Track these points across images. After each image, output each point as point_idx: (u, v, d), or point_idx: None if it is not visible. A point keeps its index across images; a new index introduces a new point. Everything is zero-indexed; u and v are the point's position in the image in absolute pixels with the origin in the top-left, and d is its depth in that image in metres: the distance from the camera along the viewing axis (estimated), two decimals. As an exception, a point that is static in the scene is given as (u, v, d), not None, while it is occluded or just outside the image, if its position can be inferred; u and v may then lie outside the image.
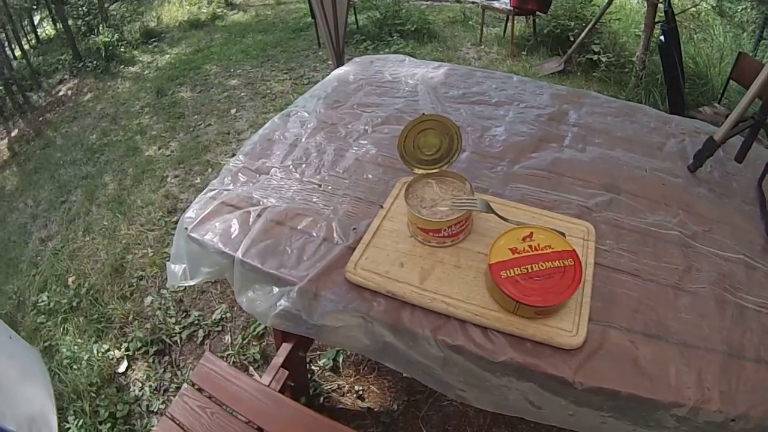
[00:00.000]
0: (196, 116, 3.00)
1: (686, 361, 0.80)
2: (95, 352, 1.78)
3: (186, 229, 1.10)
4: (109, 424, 1.59)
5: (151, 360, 1.78)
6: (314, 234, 1.02)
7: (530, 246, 0.84)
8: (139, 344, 1.80)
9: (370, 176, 1.14)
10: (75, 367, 1.74)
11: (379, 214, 1.00)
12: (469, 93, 1.46)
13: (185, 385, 1.33)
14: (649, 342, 0.82)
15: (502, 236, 0.85)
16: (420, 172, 0.95)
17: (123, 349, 1.80)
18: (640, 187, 1.10)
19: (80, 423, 1.58)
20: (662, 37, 2.55)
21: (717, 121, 2.20)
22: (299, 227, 1.05)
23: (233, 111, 2.99)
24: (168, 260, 1.18)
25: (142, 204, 2.35)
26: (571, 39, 3.64)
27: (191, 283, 1.14)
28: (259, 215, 1.09)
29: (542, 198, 1.05)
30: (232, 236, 1.05)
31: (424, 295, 0.85)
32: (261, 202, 1.12)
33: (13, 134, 3.20)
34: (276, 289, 0.98)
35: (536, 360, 0.79)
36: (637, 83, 3.09)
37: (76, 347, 1.80)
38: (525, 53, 3.78)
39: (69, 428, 1.56)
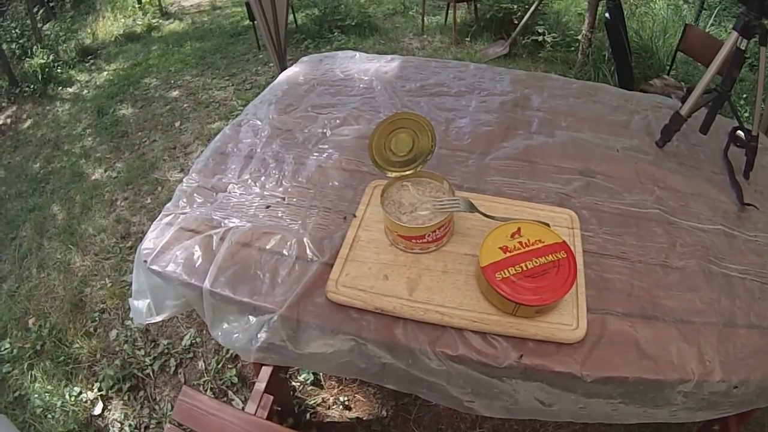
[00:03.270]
0: (139, 133, 2.75)
1: (685, 337, 0.78)
2: (67, 396, 1.59)
3: (145, 262, 0.95)
4: None
5: (126, 397, 1.60)
6: (285, 253, 0.90)
7: (521, 242, 0.76)
8: (111, 382, 1.62)
9: (336, 183, 1.03)
10: (49, 416, 1.54)
11: (353, 224, 0.89)
12: (426, 85, 1.37)
13: (168, 426, 1.19)
14: (648, 323, 0.80)
15: (490, 235, 0.77)
16: (394, 175, 0.86)
17: (96, 390, 1.62)
18: (613, 167, 1.08)
19: None
20: (607, 14, 2.55)
21: (668, 92, 2.26)
22: (268, 247, 0.92)
23: (177, 124, 2.76)
24: (128, 292, 1.02)
25: (94, 232, 2.12)
26: (515, 22, 3.61)
27: (158, 319, 0.99)
28: (222, 238, 0.95)
29: (520, 189, 1.00)
30: (196, 265, 0.92)
31: (416, 307, 0.76)
32: (222, 224, 0.98)
33: None
34: (253, 319, 0.86)
35: (542, 359, 0.75)
36: (584, 61, 3.10)
37: (47, 394, 1.60)
38: (468, 40, 3.73)
39: None
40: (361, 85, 1.41)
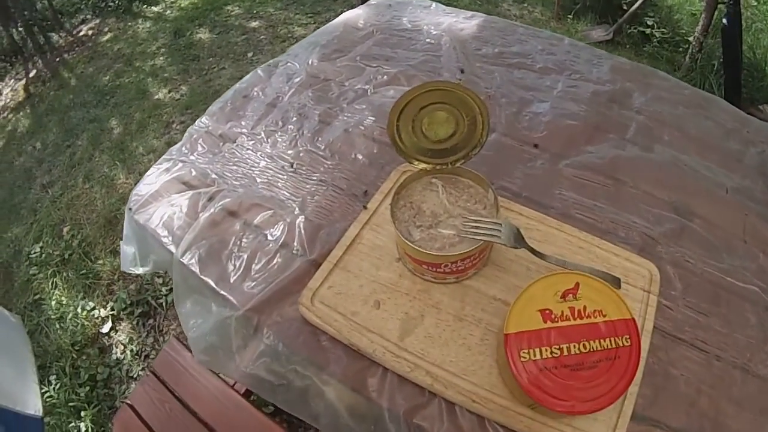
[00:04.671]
0: (210, 59, 2.62)
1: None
2: (80, 309, 1.59)
3: (130, 209, 0.80)
4: (88, 388, 1.41)
5: (135, 322, 1.57)
6: (270, 236, 0.70)
7: (572, 309, 0.49)
8: (124, 305, 1.58)
9: (360, 156, 0.79)
10: (61, 324, 1.56)
11: (359, 219, 0.66)
12: (507, 53, 1.04)
13: (147, 373, 1.11)
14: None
15: (533, 286, 0.50)
16: (421, 167, 0.59)
17: (108, 308, 1.60)
18: (717, 213, 0.71)
19: (59, 385, 1.40)
20: (725, 21, 2.04)
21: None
22: (255, 222, 0.72)
23: (250, 54, 2.60)
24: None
25: (144, 151, 2.06)
26: (624, 7, 3.03)
27: (141, 271, 0.85)
28: (210, 199, 0.77)
29: (595, 216, 0.68)
30: (175, 226, 0.75)
31: (402, 359, 0.53)
32: (216, 182, 0.80)
33: (31, 75, 2.92)
34: (215, 310, 0.68)
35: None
36: (691, 66, 2.54)
37: (63, 303, 1.61)
38: (571, 17, 3.19)
39: (47, 391, 1.38)
40: (428, 40, 1.11)
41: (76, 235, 1.79)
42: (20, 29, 3.07)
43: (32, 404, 0.96)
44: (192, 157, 0.86)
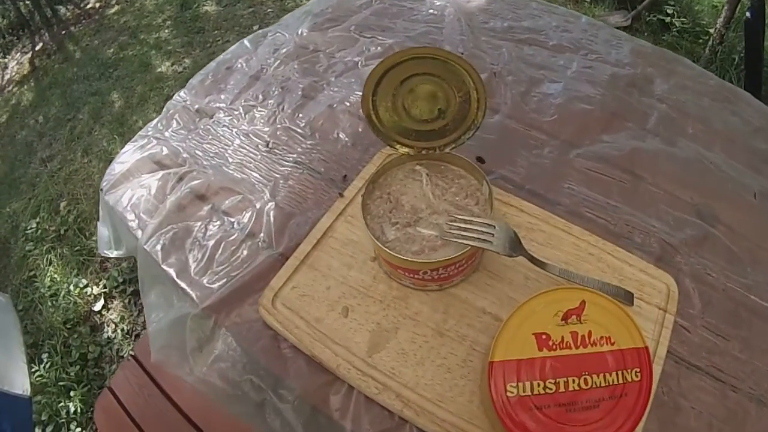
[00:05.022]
0: (215, 32, 2.49)
1: None
2: (74, 287, 1.53)
3: (102, 189, 0.73)
4: (78, 366, 1.36)
5: (127, 300, 1.51)
6: (237, 224, 0.61)
7: (574, 335, 0.39)
8: (116, 283, 1.53)
9: (343, 136, 0.69)
10: (53, 302, 1.51)
11: (334, 208, 0.56)
12: (517, 28, 0.91)
13: (128, 357, 1.05)
14: None
15: (530, 303, 0.40)
16: (403, 151, 0.49)
17: (101, 286, 1.54)
18: (743, 220, 0.60)
19: (50, 364, 1.36)
20: (749, 14, 1.87)
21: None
22: (222, 208, 0.63)
23: (255, 27, 2.46)
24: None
25: (143, 125, 1.97)
26: None
27: (116, 254, 0.77)
28: (179, 180, 0.68)
29: (609, 215, 0.57)
30: (142, 210, 0.67)
31: (369, 379, 0.44)
32: (187, 162, 0.71)
33: (37, 48, 2.83)
34: (176, 303, 0.60)
35: None
36: (711, 59, 2.35)
37: (57, 280, 1.56)
38: (589, 1, 2.99)
39: (37, 370, 1.34)
40: (431, 11, 0.98)
41: (72, 211, 1.73)
42: (27, 2, 2.97)
43: (20, 384, 0.91)
44: (167, 134, 0.77)
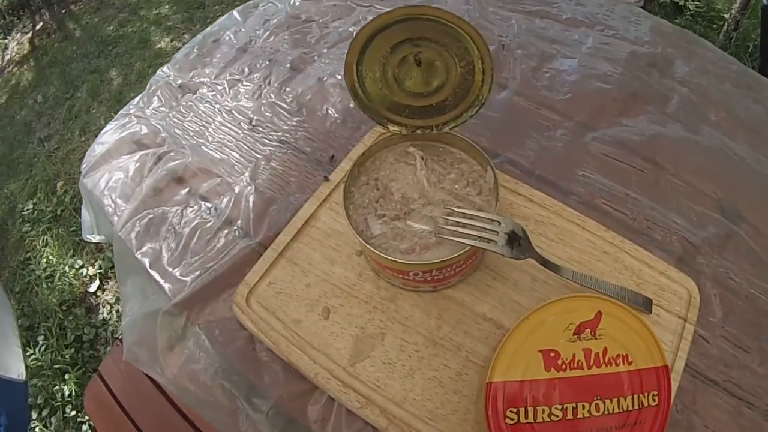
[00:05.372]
0: (216, 6, 2.36)
1: None
2: (69, 268, 1.49)
3: (81, 171, 0.67)
4: (73, 349, 1.32)
5: (122, 281, 1.47)
6: (214, 209, 0.54)
7: (587, 353, 0.32)
8: (111, 263, 1.48)
9: (332, 112, 0.61)
10: (48, 284, 1.47)
11: (318, 194, 0.49)
12: (529, -2, 0.82)
13: (117, 342, 1.01)
14: None
15: (538, 313, 0.34)
16: (394, 129, 0.42)
17: (96, 267, 1.50)
18: None
19: (45, 347, 1.33)
20: (765, 0, 1.73)
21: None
22: (200, 191, 0.57)
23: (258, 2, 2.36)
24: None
25: (140, 103, 1.91)
26: None
27: (98, 239, 0.72)
28: (157, 161, 0.61)
29: (627, 208, 0.50)
30: (118, 194, 0.60)
31: (351, 391, 0.38)
32: (166, 141, 0.64)
33: (37, 28, 2.73)
34: (150, 296, 0.54)
35: None
36: (725, 45, 2.21)
37: (54, 261, 1.51)
38: None
39: (32, 354, 1.31)
40: (435, -22, 0.90)
41: (69, 191, 1.67)
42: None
43: (15, 368, 0.87)
44: (147, 112, 0.70)
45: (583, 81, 0.64)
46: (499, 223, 0.34)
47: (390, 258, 0.34)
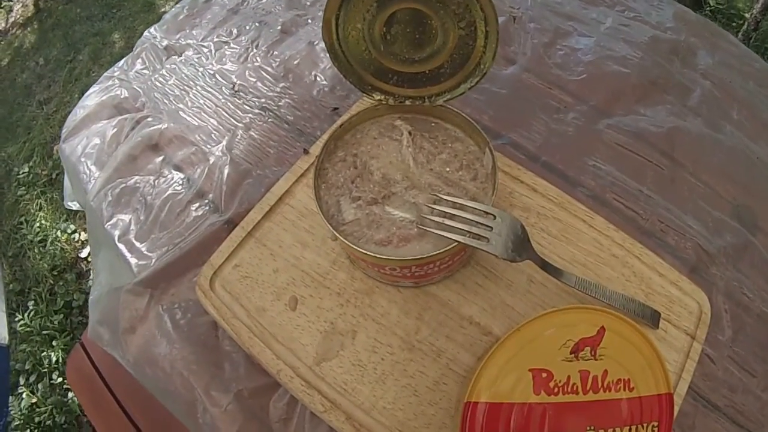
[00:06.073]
0: (224, -30, 2.27)
1: None
2: (61, 233, 1.44)
3: (60, 136, 0.61)
4: (62, 315, 1.28)
5: (113, 249, 1.42)
6: (186, 180, 0.48)
7: (584, 375, 0.26)
8: (101, 231, 1.43)
9: (321, 78, 0.53)
10: (40, 248, 1.42)
11: (295, 168, 0.43)
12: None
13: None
14: None
15: (531, 324, 0.28)
16: (380, 98, 0.34)
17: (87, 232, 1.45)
18: None
19: (34, 312, 1.29)
20: None
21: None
22: (175, 161, 0.50)
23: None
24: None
25: (141, 67, 1.82)
26: None
27: (77, 207, 0.66)
28: (134, 127, 0.55)
29: (640, 207, 0.43)
30: (93, 161, 0.54)
31: (315, 393, 0.33)
32: (145, 106, 0.57)
33: None
34: (118, 271, 0.49)
35: None
36: (744, 44, 2.08)
37: (47, 225, 1.46)
38: None
39: (21, 319, 1.27)
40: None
41: (64, 154, 1.62)
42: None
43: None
44: (130, 75, 0.62)
45: (600, 62, 0.56)
46: (495, 217, 0.28)
47: (361, 250, 0.28)
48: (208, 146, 0.50)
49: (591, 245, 0.37)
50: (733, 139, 0.53)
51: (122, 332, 0.43)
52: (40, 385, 1.14)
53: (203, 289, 0.38)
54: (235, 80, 0.56)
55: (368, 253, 0.28)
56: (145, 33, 0.69)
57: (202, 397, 0.38)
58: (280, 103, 0.51)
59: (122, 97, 0.60)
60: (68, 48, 2.07)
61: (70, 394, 1.10)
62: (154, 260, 0.44)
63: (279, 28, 0.60)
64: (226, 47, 0.61)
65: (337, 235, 0.28)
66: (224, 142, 0.49)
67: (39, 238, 1.46)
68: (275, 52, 0.57)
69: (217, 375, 0.38)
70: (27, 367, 1.18)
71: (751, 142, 0.54)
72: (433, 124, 0.35)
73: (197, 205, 0.46)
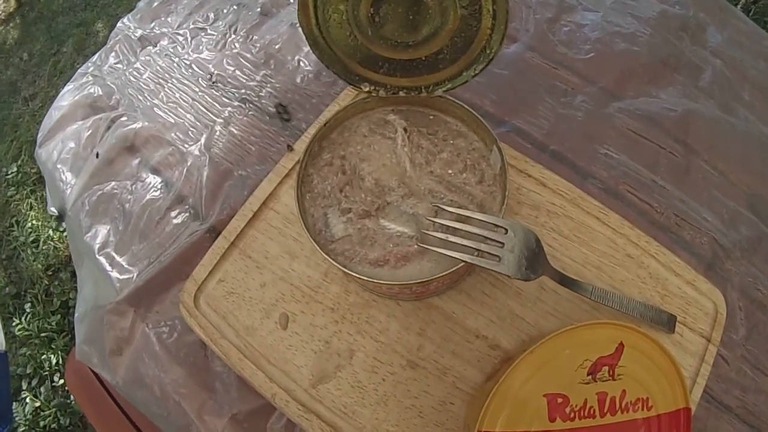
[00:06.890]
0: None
1: None
2: (53, 231, 1.40)
3: (36, 141, 0.58)
4: (59, 315, 1.25)
5: (107, 248, 1.38)
6: (163, 185, 0.44)
7: (602, 397, 0.24)
8: (96, 226, 1.39)
9: (304, 64, 0.48)
10: (33, 249, 1.38)
11: (279, 168, 0.39)
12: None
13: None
14: None
15: (547, 345, 0.25)
16: (368, 89, 0.30)
17: (80, 229, 1.41)
18: None
19: (31, 315, 1.26)
20: None
21: None
22: (151, 162, 0.46)
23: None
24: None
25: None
26: None
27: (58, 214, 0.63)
28: (109, 127, 0.51)
29: (654, 199, 0.40)
30: (69, 166, 0.51)
31: (313, 417, 0.30)
32: (119, 103, 0.52)
33: None
34: (100, 285, 0.45)
35: None
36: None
37: (39, 225, 1.42)
38: None
39: (19, 323, 1.24)
40: None
41: (52, 152, 1.56)
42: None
43: None
44: (104, 70, 0.57)
45: (608, 39, 0.51)
46: (506, 231, 0.24)
47: (353, 273, 0.24)
48: (186, 145, 0.46)
49: (605, 245, 0.34)
50: (747, 123, 0.49)
51: (108, 354, 0.40)
52: (42, 389, 1.12)
53: (187, 307, 0.35)
54: (212, 70, 0.51)
55: (361, 277, 0.24)
56: (119, 24, 0.64)
57: (196, 422, 0.35)
58: (261, 93, 0.47)
59: (96, 95, 0.55)
60: (52, 41, 1.98)
61: (72, 396, 1.09)
62: (135, 275, 0.41)
63: (258, 10, 0.55)
64: (202, 34, 0.55)
65: (326, 256, 0.25)
66: (202, 140, 0.45)
67: (32, 239, 1.42)
68: (255, 37, 0.52)
69: (209, 398, 0.35)
70: (28, 371, 1.17)
71: (764, 126, 0.50)
72: (431, 117, 0.31)
73: (177, 211, 0.42)
